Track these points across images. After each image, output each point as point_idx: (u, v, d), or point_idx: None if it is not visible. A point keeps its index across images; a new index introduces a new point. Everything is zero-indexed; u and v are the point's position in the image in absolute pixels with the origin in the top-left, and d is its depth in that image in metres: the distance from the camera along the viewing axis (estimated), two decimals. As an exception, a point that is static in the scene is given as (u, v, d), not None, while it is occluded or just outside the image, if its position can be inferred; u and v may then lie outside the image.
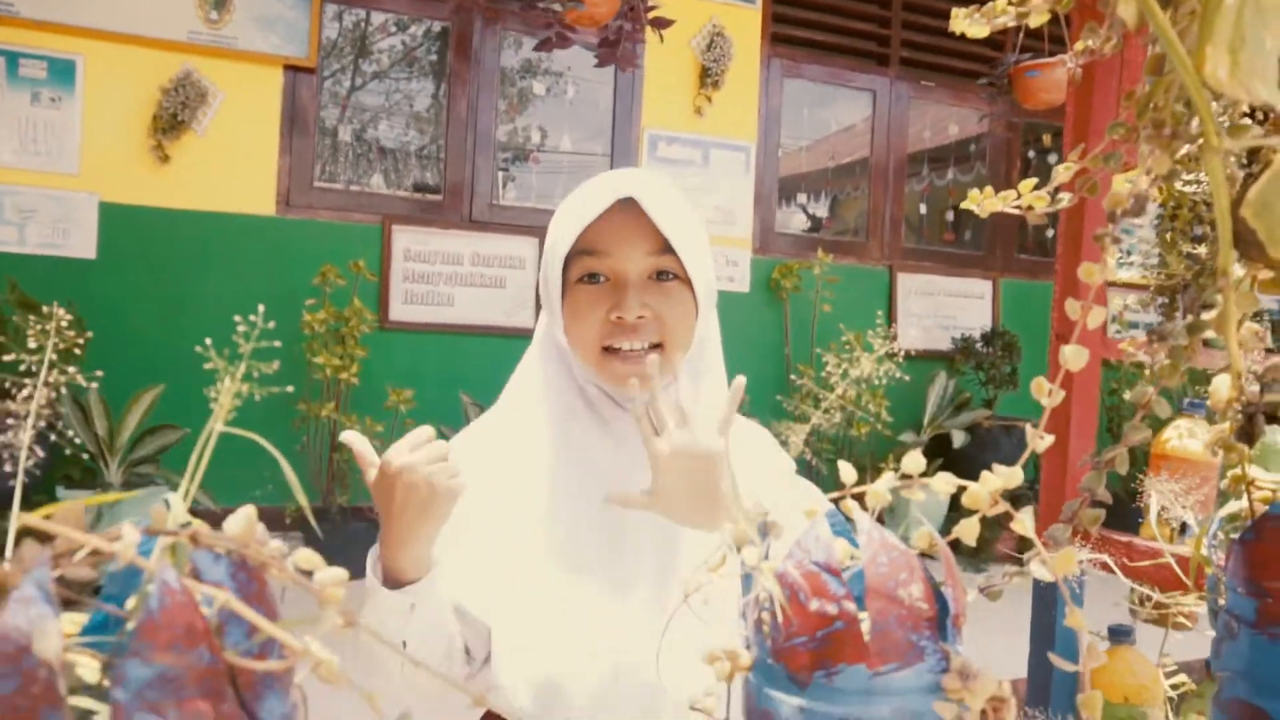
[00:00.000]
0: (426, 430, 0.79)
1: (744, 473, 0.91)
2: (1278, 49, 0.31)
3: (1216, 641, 0.49)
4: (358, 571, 0.65)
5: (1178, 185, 1.23)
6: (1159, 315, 1.18)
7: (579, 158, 4.43)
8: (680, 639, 0.81)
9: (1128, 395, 0.48)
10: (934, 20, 4.73)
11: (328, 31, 3.97)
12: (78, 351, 0.46)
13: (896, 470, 0.41)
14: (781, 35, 4.58)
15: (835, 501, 0.42)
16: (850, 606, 0.36)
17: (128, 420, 3.12)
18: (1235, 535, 0.46)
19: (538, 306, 4.07)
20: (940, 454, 4.21)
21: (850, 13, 4.69)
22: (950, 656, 0.36)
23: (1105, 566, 0.75)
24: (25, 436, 0.29)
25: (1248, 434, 0.41)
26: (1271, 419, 0.43)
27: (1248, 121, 0.48)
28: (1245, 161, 0.56)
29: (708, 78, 4.31)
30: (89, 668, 0.25)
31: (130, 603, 0.27)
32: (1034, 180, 0.46)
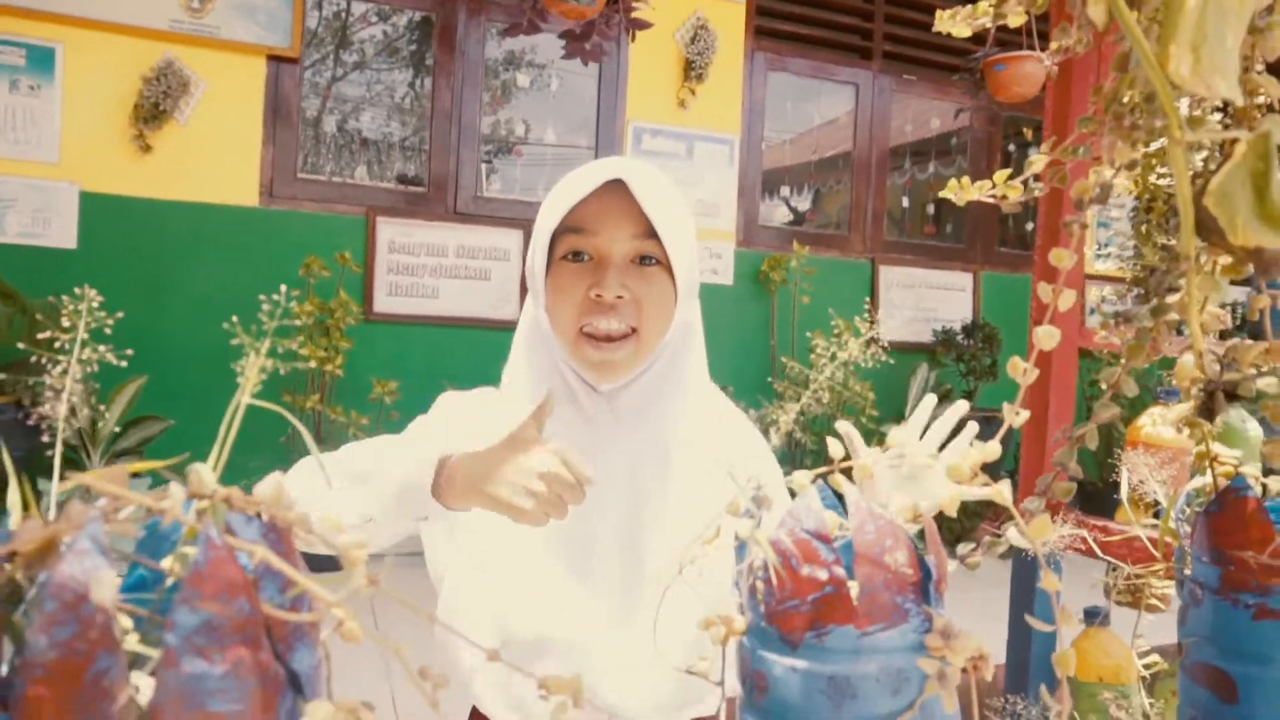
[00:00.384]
0: (588, 473, 0.76)
1: (730, 455, 0.93)
2: (1238, 47, 0.33)
3: (1183, 609, 0.51)
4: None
5: (1152, 179, 1.26)
6: (1135, 305, 1.21)
7: (563, 150, 4.43)
8: (647, 624, 0.84)
9: (1101, 376, 0.50)
10: (916, 15, 4.76)
11: (310, 21, 3.94)
12: (107, 331, 0.47)
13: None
14: (765, 29, 4.60)
15: (824, 476, 0.44)
16: (839, 571, 0.38)
17: (110, 411, 3.10)
18: (1200, 508, 0.49)
19: (522, 299, 4.08)
20: (921, 445, 4.26)
21: (833, 6, 4.71)
22: (933, 618, 0.38)
23: (1083, 541, 0.78)
24: (62, 409, 0.30)
25: (1209, 410, 0.44)
26: (1233, 397, 0.45)
27: (1217, 115, 0.51)
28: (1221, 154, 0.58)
29: (692, 71, 4.32)
30: (130, 621, 0.27)
31: (166, 562, 0.29)
32: (1008, 170, 0.48)
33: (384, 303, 3.86)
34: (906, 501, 0.82)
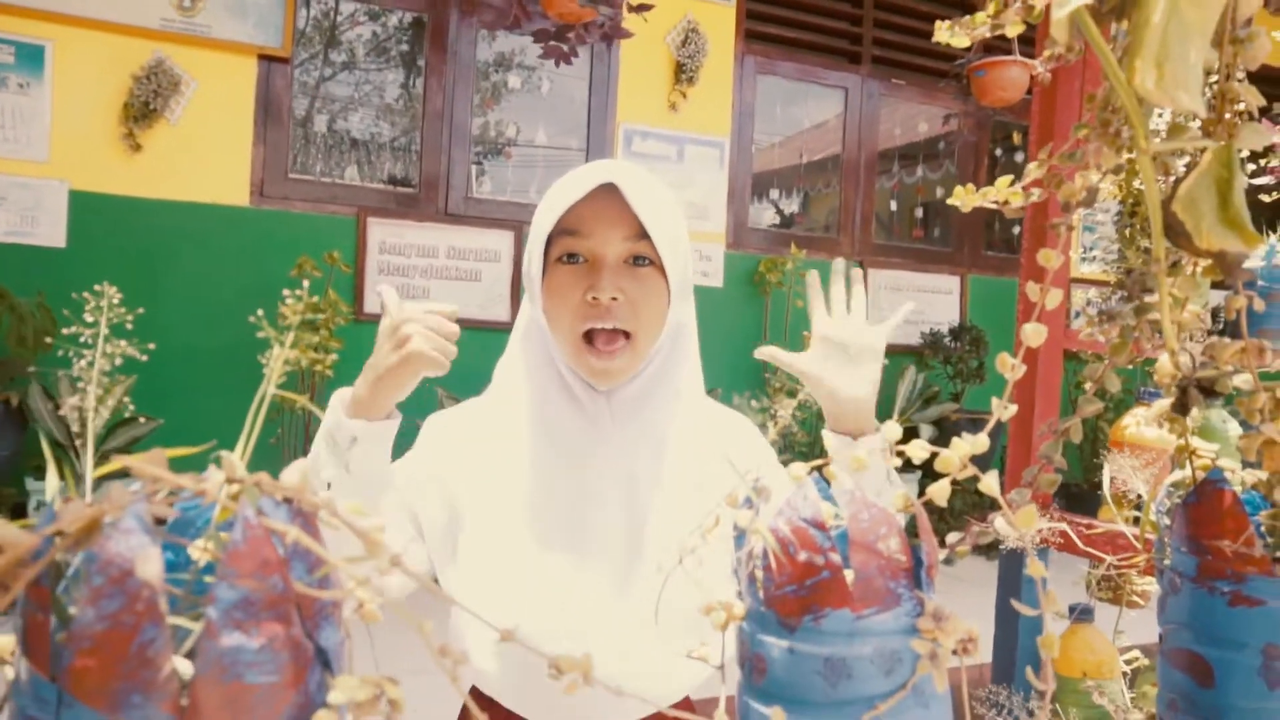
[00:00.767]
0: (451, 308, 0.86)
1: (731, 452, 0.94)
2: (1200, 62, 0.35)
3: (1162, 598, 0.53)
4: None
5: (1135, 184, 1.29)
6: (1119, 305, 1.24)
7: (554, 152, 4.44)
8: (646, 608, 0.85)
9: (1084, 372, 0.52)
10: (905, 19, 4.81)
11: (301, 21, 3.94)
12: (129, 326, 0.49)
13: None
14: (755, 32, 4.63)
15: (819, 469, 0.46)
16: (835, 558, 0.39)
17: (70, 415, 3.09)
18: (1179, 500, 0.51)
19: (513, 300, 4.09)
20: (909, 446, 4.30)
21: (823, 11, 4.75)
22: (924, 602, 0.40)
23: (1066, 536, 0.80)
24: (90, 400, 0.32)
25: (1185, 406, 0.45)
26: (1209, 393, 0.47)
27: (1197, 123, 0.53)
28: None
29: (682, 74, 4.34)
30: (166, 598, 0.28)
31: (198, 544, 0.30)
32: (1009, 177, 0.50)
33: (375, 303, 3.86)
34: (851, 383, 0.89)
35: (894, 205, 5.26)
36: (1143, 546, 0.68)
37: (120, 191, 3.52)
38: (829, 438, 0.91)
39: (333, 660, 0.29)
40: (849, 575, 0.40)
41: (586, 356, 0.88)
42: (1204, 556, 0.49)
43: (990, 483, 0.42)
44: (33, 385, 3.10)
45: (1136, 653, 1.20)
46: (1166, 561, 0.52)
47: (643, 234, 0.88)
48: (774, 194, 5.05)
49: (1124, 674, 1.17)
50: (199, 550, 0.30)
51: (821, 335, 0.93)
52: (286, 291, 3.38)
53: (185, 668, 0.28)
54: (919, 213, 5.33)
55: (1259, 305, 0.47)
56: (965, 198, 0.50)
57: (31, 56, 3.40)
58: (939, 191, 5.26)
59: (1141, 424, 1.34)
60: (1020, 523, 0.41)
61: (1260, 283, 1.46)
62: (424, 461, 0.96)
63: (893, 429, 0.45)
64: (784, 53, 4.74)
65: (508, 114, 4.36)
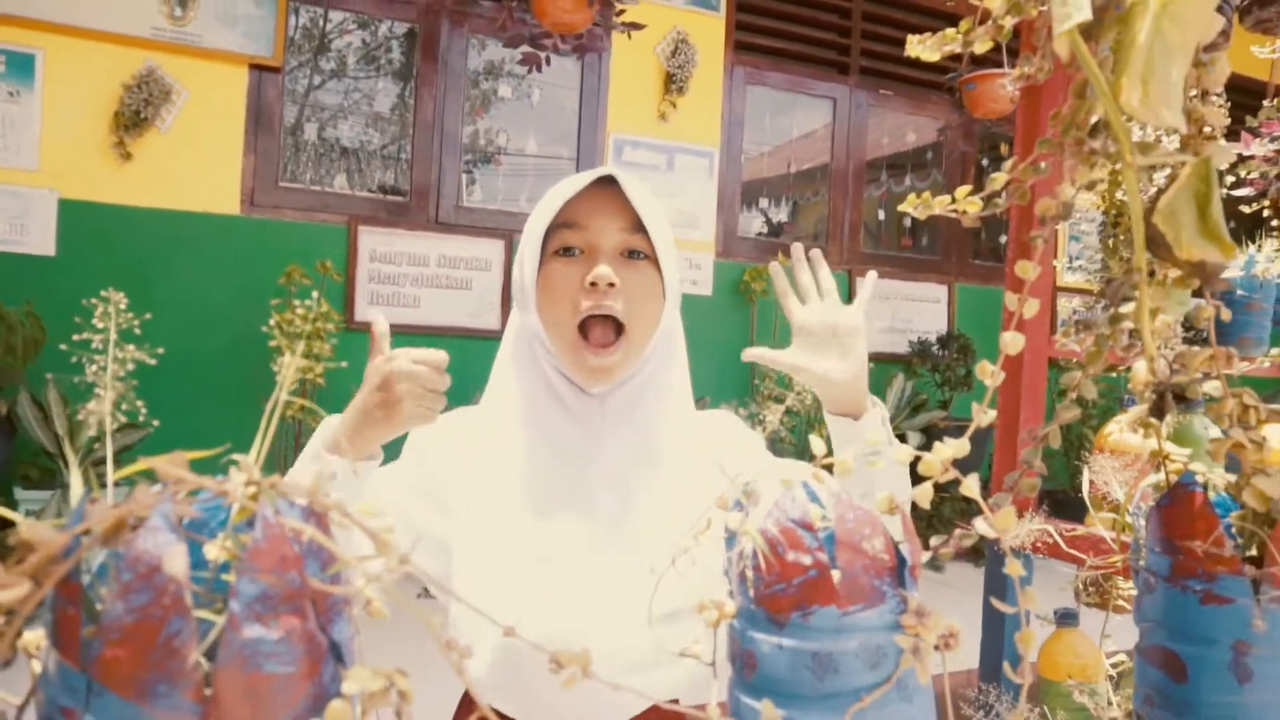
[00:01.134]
0: (442, 356, 0.85)
1: (723, 452, 0.96)
2: (1181, 80, 0.37)
3: (1138, 597, 0.55)
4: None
5: (1118, 195, 1.31)
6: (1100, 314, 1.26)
7: (545, 161, 4.47)
8: (637, 609, 0.86)
9: (1062, 380, 0.54)
10: (892, 31, 4.86)
11: (292, 31, 3.96)
12: (136, 331, 0.50)
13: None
14: (744, 43, 4.67)
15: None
16: (822, 557, 0.41)
17: (80, 427, 3.09)
18: (1153, 502, 0.53)
19: (504, 308, 4.10)
20: (898, 453, 4.33)
21: (811, 22, 4.79)
22: (908, 599, 0.41)
23: (1049, 540, 0.82)
24: (106, 405, 0.33)
25: (1159, 410, 0.47)
26: (1182, 399, 0.49)
27: (1173, 138, 0.55)
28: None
29: (672, 84, 4.38)
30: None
31: (218, 542, 0.32)
32: (969, 187, 0.52)
33: (365, 312, 3.87)
34: (840, 365, 0.90)
35: (882, 214, 5.31)
36: (1119, 548, 0.70)
37: (110, 200, 3.52)
38: (830, 421, 0.92)
39: (345, 653, 0.31)
40: (836, 574, 0.42)
41: (583, 353, 0.89)
42: (1177, 557, 0.51)
43: (971, 485, 0.44)
44: (21, 394, 3.09)
45: (1122, 656, 1.22)
46: (1142, 562, 0.54)
47: (637, 228, 0.90)
48: (763, 203, 5.08)
49: (1110, 678, 1.19)
50: (217, 548, 0.31)
51: (800, 325, 0.94)
52: (296, 301, 3.39)
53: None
54: (907, 222, 5.37)
55: (1225, 315, 0.49)
56: (922, 206, 0.52)
57: (22, 65, 3.40)
58: (926, 201, 5.30)
59: (1124, 430, 1.36)
60: (999, 524, 0.43)
61: (1240, 292, 1.49)
62: (415, 467, 0.97)
63: (876, 415, 0.47)
64: (773, 63, 4.78)
65: (498, 123, 4.38)
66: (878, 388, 4.59)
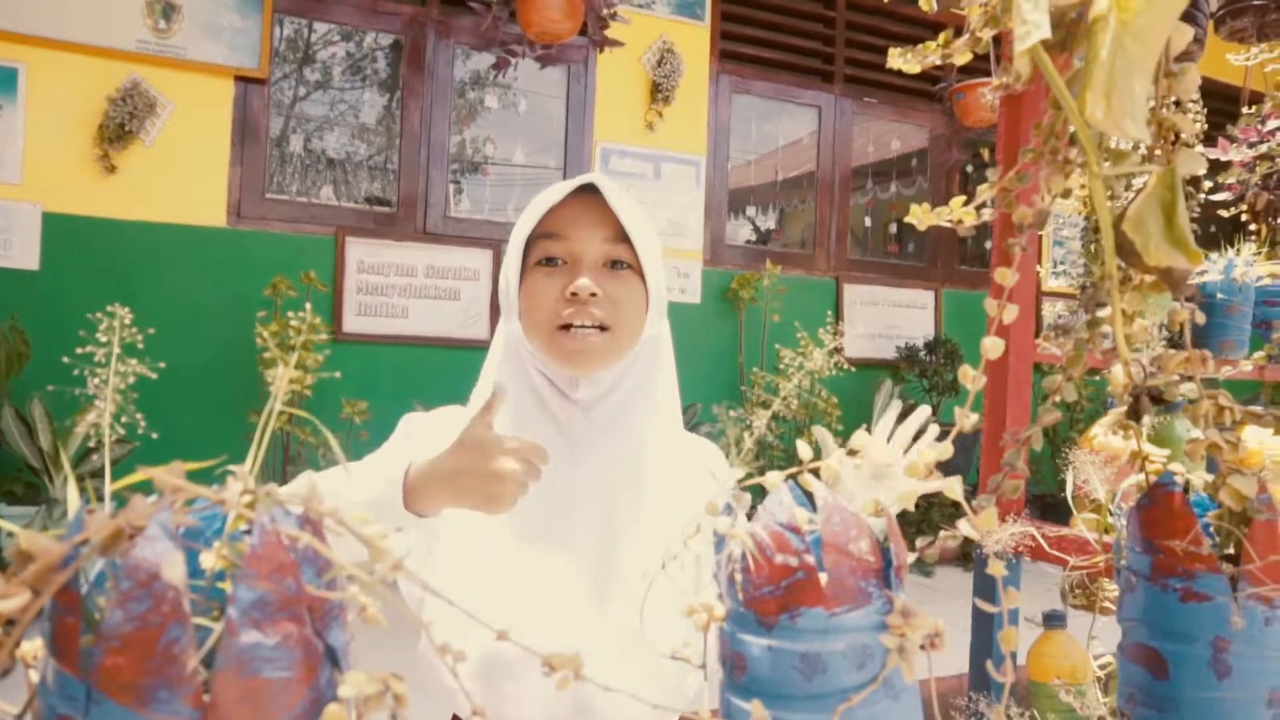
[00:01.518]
0: (545, 454, 0.80)
1: (696, 482, 0.96)
2: (1145, 93, 0.38)
3: (1120, 596, 0.56)
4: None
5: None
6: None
7: (532, 170, 4.48)
8: (623, 626, 0.86)
9: (1044, 383, 0.55)
10: (877, 39, 4.90)
11: (277, 43, 3.96)
12: (140, 345, 0.51)
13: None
14: (729, 52, 4.70)
15: (794, 476, 0.49)
16: (810, 559, 0.42)
17: (69, 440, 3.06)
18: (1134, 503, 0.54)
19: (492, 318, 4.10)
20: (886, 459, 4.35)
21: (796, 31, 4.83)
22: (894, 600, 0.42)
23: (1034, 543, 0.83)
24: (106, 418, 0.33)
25: (1136, 412, 0.48)
26: (1159, 401, 0.51)
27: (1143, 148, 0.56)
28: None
29: (658, 93, 4.40)
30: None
31: (211, 552, 0.32)
32: (964, 197, 0.53)
33: (353, 322, 3.86)
34: (871, 498, 0.87)
35: (868, 221, 5.34)
36: (1102, 548, 0.71)
37: (95, 213, 3.51)
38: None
39: (341, 658, 0.31)
40: (823, 576, 0.42)
41: (561, 339, 0.88)
42: (1156, 556, 0.52)
43: (955, 487, 0.45)
44: (5, 409, 3.07)
45: (1109, 658, 1.23)
46: (1124, 562, 0.55)
47: (621, 238, 0.89)
48: (750, 211, 5.11)
49: (1097, 679, 1.20)
50: (213, 557, 0.32)
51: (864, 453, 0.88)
52: (291, 313, 3.38)
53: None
54: (893, 228, 5.41)
55: (1200, 319, 0.50)
56: (923, 217, 0.53)
57: (5, 79, 3.38)
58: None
59: (1107, 433, 1.38)
60: (982, 524, 0.44)
61: (1219, 295, 1.51)
62: (406, 455, 0.96)
63: (862, 438, 0.47)
64: (758, 72, 4.81)
65: (485, 133, 4.39)
66: (865, 393, 4.62)
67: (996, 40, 0.68)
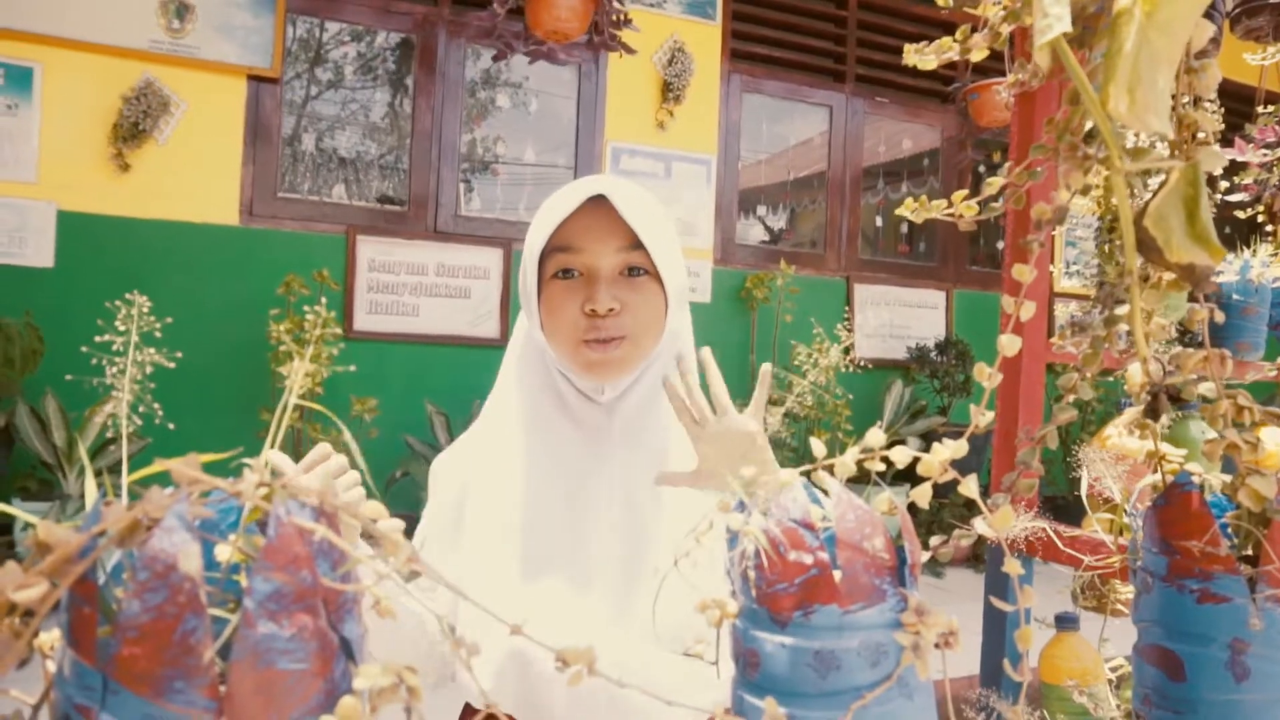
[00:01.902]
0: (323, 449, 0.79)
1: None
2: (1169, 88, 0.38)
3: (1135, 597, 0.56)
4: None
5: (1113, 201, 1.32)
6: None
7: (542, 169, 4.48)
8: (647, 624, 0.86)
9: (1059, 382, 0.55)
10: (888, 39, 4.89)
11: (290, 42, 3.97)
12: (157, 334, 0.51)
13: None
14: (741, 52, 4.69)
15: (807, 473, 0.48)
16: (824, 556, 0.42)
17: (86, 431, 3.09)
18: (1150, 503, 0.53)
19: (502, 317, 4.11)
20: (897, 459, 4.35)
21: (807, 30, 4.82)
22: (908, 597, 0.42)
23: (1047, 543, 0.82)
24: (124, 406, 0.34)
25: (1154, 411, 0.48)
26: (1176, 400, 0.50)
27: (1163, 144, 0.56)
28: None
29: (669, 92, 4.40)
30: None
31: (227, 543, 0.32)
32: (965, 191, 0.52)
33: (364, 321, 3.88)
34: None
35: (879, 221, 5.32)
36: (1116, 549, 0.70)
37: (109, 212, 3.53)
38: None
39: (355, 651, 0.31)
40: (837, 573, 0.42)
41: (584, 351, 0.88)
42: (1173, 556, 0.51)
43: (969, 484, 0.45)
44: (20, 406, 3.09)
45: (1121, 660, 1.22)
46: (1139, 562, 0.55)
47: (636, 244, 0.88)
48: (761, 210, 5.10)
49: (1110, 681, 1.19)
50: (229, 549, 0.32)
51: (703, 453, 0.88)
52: (307, 308, 3.40)
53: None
54: (904, 228, 5.39)
55: (1219, 317, 0.50)
56: (919, 210, 0.52)
57: (20, 78, 3.41)
58: (923, 208, 5.32)
59: (1122, 434, 1.37)
60: (998, 523, 0.44)
61: (1235, 297, 1.50)
62: (434, 514, 0.97)
63: (876, 435, 0.47)
64: (769, 71, 4.80)
65: (496, 132, 4.40)
66: (875, 394, 4.60)
67: (1010, 39, 0.68)
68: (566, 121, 4.41)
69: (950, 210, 0.50)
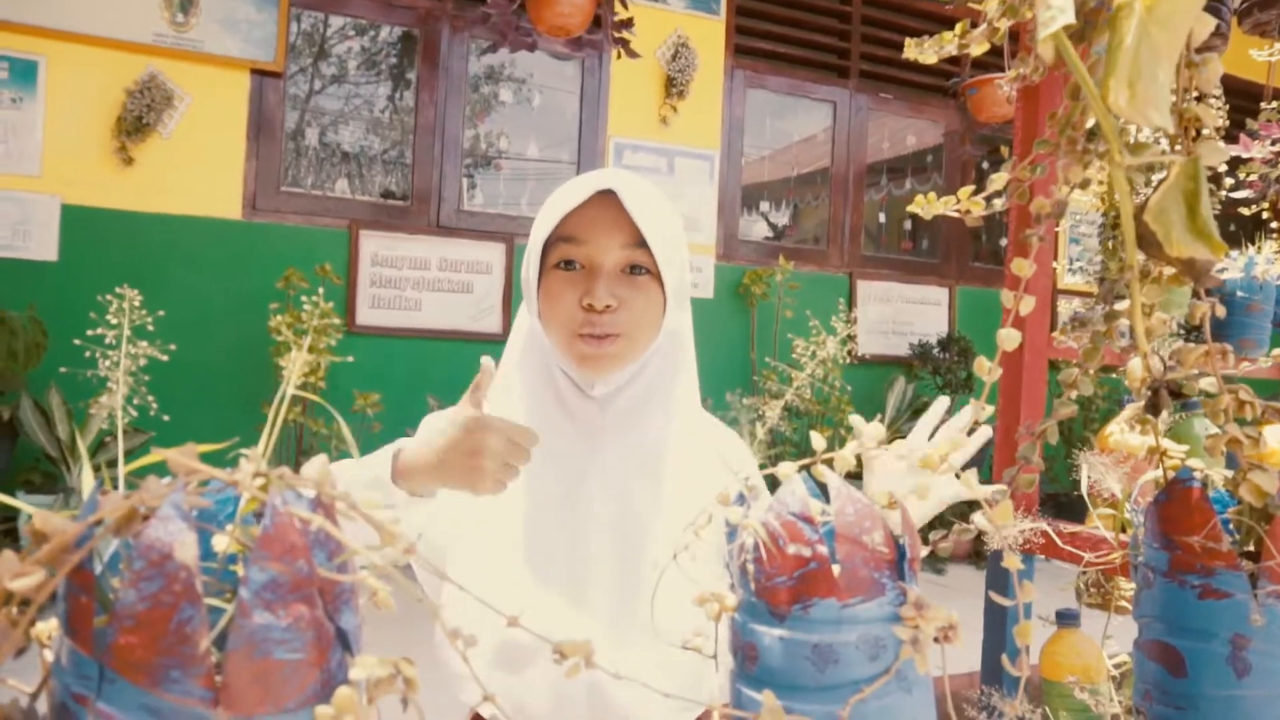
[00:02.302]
0: (534, 436, 0.83)
1: (715, 469, 0.96)
2: (1169, 82, 0.37)
3: (1137, 592, 0.56)
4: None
5: (1117, 197, 1.32)
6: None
7: (545, 165, 4.48)
8: (641, 619, 0.86)
9: (1060, 377, 0.54)
10: (892, 34, 4.87)
11: (294, 36, 3.97)
12: (150, 328, 0.51)
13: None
14: (744, 47, 4.68)
15: (807, 467, 0.48)
16: (823, 550, 0.42)
17: (89, 425, 3.09)
18: (1152, 498, 0.53)
19: (505, 312, 4.11)
20: (899, 456, 4.34)
21: (811, 25, 4.81)
22: (907, 591, 0.42)
23: (1048, 541, 0.82)
24: (119, 398, 0.34)
25: (1155, 407, 0.48)
26: (1177, 395, 0.50)
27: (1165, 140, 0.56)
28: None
29: (673, 87, 4.39)
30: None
31: (225, 534, 0.32)
32: (972, 187, 0.52)
33: (366, 315, 3.88)
34: (916, 498, 0.87)
35: (883, 217, 5.31)
36: (1118, 545, 0.70)
37: (113, 205, 3.54)
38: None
39: (352, 642, 0.31)
40: (836, 567, 0.42)
41: (579, 344, 0.89)
42: (1175, 552, 0.51)
43: (969, 479, 0.45)
44: (24, 399, 3.10)
45: (1123, 657, 1.22)
46: (1141, 558, 0.55)
47: (640, 242, 0.88)
48: (764, 206, 5.09)
49: (1111, 678, 1.19)
50: (227, 539, 0.32)
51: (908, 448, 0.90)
52: (304, 298, 3.40)
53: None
54: (907, 225, 5.38)
55: (1220, 312, 0.49)
56: (927, 206, 0.52)
57: (25, 72, 3.41)
58: (927, 204, 5.31)
59: (1124, 431, 1.36)
60: (998, 518, 0.44)
61: (1239, 294, 1.49)
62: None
63: (875, 429, 0.47)
64: (773, 67, 4.79)
65: (499, 127, 4.40)
66: (877, 390, 4.60)
67: (1011, 34, 0.67)
68: (570, 116, 4.40)
69: (957, 206, 0.50)
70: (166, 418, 3.23)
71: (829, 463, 0.47)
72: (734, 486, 0.48)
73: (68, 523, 0.28)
